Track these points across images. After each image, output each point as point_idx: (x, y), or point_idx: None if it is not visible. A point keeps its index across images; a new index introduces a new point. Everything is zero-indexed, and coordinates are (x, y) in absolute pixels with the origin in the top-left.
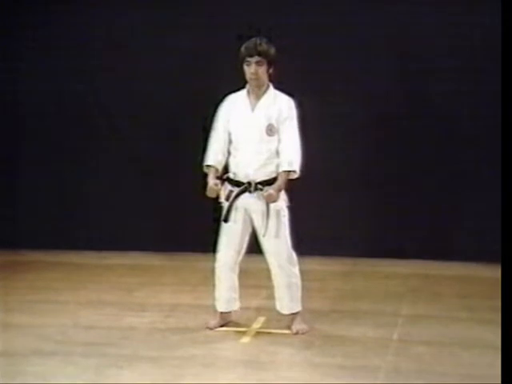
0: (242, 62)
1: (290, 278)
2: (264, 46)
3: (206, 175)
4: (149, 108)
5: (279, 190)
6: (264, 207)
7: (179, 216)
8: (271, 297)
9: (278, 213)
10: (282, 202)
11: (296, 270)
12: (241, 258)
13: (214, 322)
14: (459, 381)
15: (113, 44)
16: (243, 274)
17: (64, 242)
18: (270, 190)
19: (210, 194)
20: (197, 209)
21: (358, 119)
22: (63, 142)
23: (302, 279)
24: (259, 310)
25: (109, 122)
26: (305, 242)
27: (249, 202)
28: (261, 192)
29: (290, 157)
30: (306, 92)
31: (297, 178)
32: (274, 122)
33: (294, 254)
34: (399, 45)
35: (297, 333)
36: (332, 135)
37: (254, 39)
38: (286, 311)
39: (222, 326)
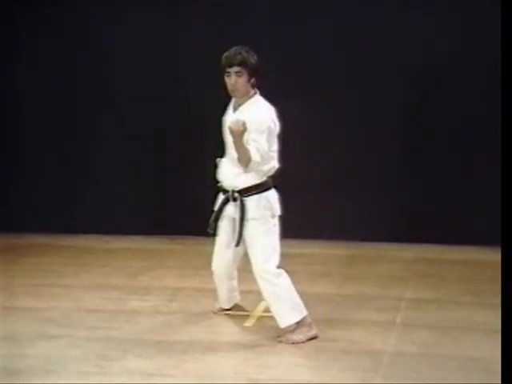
0: (222, 72)
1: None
2: (244, 55)
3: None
4: (152, 89)
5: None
6: (237, 216)
7: (183, 200)
8: None
9: (253, 222)
10: (261, 210)
11: (278, 280)
12: (237, 264)
13: (217, 305)
14: (462, 364)
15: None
16: (246, 256)
17: (68, 226)
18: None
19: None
20: (200, 192)
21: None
22: (66, 126)
23: (306, 263)
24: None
25: (113, 107)
26: (308, 226)
27: (232, 211)
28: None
29: (252, 150)
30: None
31: (302, 165)
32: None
33: (272, 263)
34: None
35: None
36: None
37: (234, 48)
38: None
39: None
